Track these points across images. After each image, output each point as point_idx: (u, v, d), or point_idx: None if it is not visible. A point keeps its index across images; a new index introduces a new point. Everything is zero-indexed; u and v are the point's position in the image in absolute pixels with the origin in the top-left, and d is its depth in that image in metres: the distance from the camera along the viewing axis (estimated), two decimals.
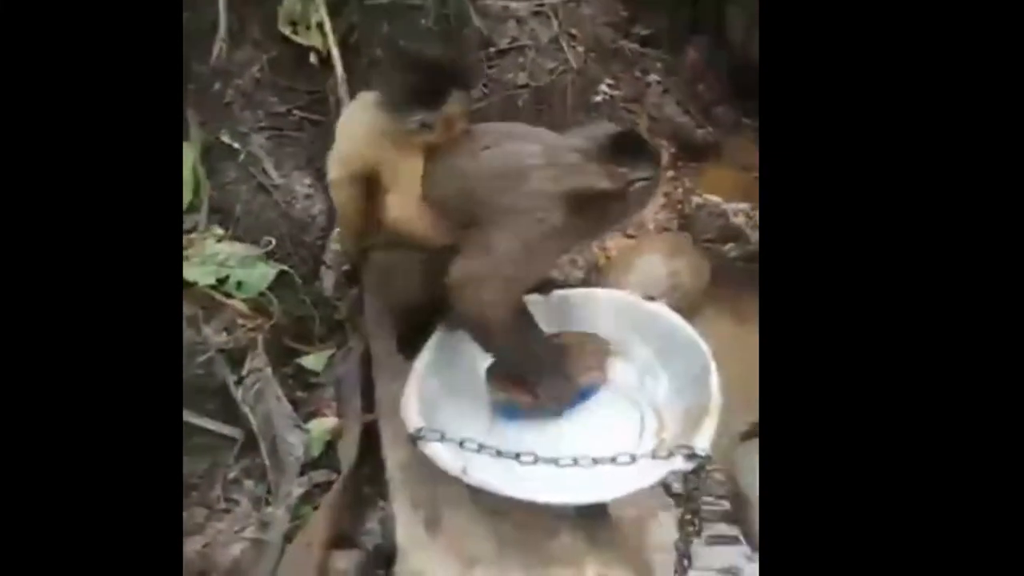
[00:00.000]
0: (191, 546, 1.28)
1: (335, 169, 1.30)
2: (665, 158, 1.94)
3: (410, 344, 1.34)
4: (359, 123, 1.28)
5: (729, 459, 1.50)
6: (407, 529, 1.20)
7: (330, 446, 1.40)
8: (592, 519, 1.18)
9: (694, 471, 1.12)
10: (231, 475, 1.37)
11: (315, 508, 1.32)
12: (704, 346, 1.28)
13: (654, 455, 1.14)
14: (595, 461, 1.15)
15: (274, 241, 1.49)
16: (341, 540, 1.30)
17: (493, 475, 1.14)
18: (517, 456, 1.18)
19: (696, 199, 1.91)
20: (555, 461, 1.17)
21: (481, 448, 1.18)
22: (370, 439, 1.38)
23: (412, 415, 1.22)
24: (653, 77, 1.97)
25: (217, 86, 1.60)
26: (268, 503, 1.35)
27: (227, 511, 1.33)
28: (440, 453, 1.16)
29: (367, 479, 1.37)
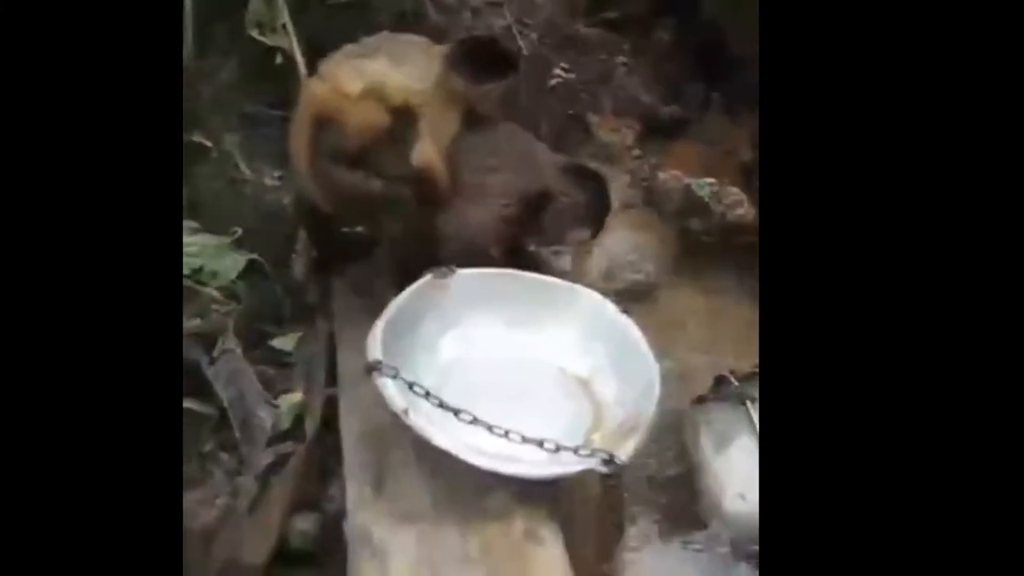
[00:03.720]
0: None
1: (359, 81, 1.41)
2: (631, 137, 2.00)
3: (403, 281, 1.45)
4: (423, 65, 1.44)
5: (680, 426, 1.54)
6: (356, 491, 1.30)
7: (299, 419, 1.50)
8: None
9: (609, 476, 1.20)
10: (206, 449, 1.48)
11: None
12: (654, 366, 1.36)
13: (576, 451, 1.23)
14: (524, 439, 1.23)
15: (241, 231, 1.59)
16: (303, 505, 1.40)
17: (430, 423, 1.23)
18: (457, 412, 1.27)
19: (661, 175, 1.96)
20: (489, 427, 1.25)
21: (428, 395, 1.27)
22: (333, 412, 1.48)
23: (375, 347, 1.30)
24: (620, 59, 2.02)
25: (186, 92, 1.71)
26: (240, 473, 1.45)
27: (202, 482, 1.44)
28: (389, 389, 1.25)
29: (330, 450, 1.46)
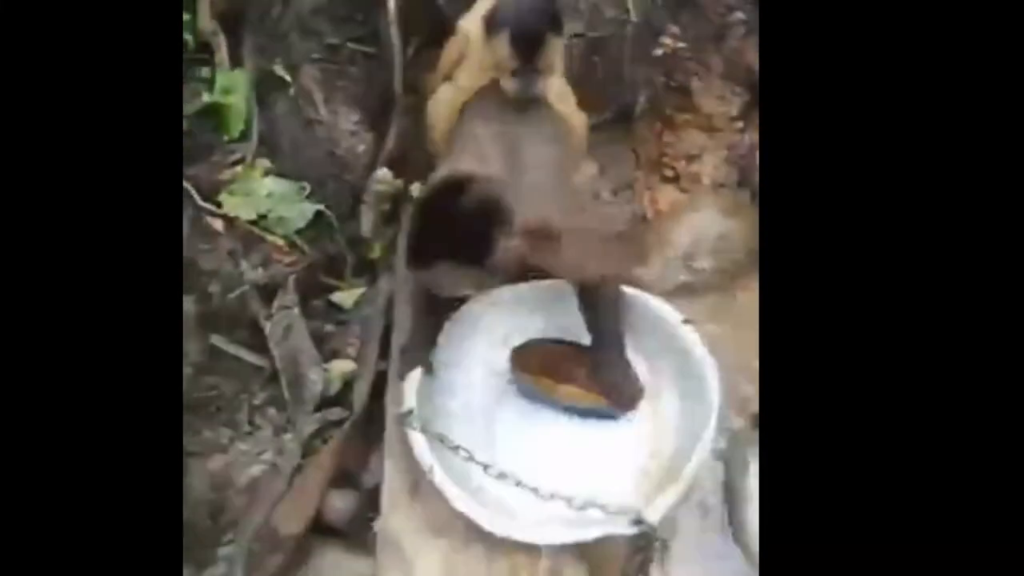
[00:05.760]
0: (215, 463, 1.44)
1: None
2: (737, 107, 1.84)
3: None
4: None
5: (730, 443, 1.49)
6: (392, 493, 1.32)
7: (347, 386, 1.50)
8: None
9: (640, 535, 1.17)
10: (256, 401, 1.49)
11: (325, 443, 1.44)
12: (716, 391, 1.29)
13: (604, 509, 1.20)
14: (552, 496, 1.23)
15: (309, 186, 1.53)
16: (343, 477, 1.42)
17: (454, 482, 1.23)
18: (485, 467, 1.27)
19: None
20: (517, 482, 1.24)
21: (457, 449, 1.27)
22: (382, 385, 1.47)
23: (409, 393, 1.30)
24: (738, 15, 1.82)
25: (276, 11, 1.60)
26: (286, 431, 1.47)
27: (250, 434, 1.47)
28: (418, 442, 1.26)
29: (375, 421, 1.46)
